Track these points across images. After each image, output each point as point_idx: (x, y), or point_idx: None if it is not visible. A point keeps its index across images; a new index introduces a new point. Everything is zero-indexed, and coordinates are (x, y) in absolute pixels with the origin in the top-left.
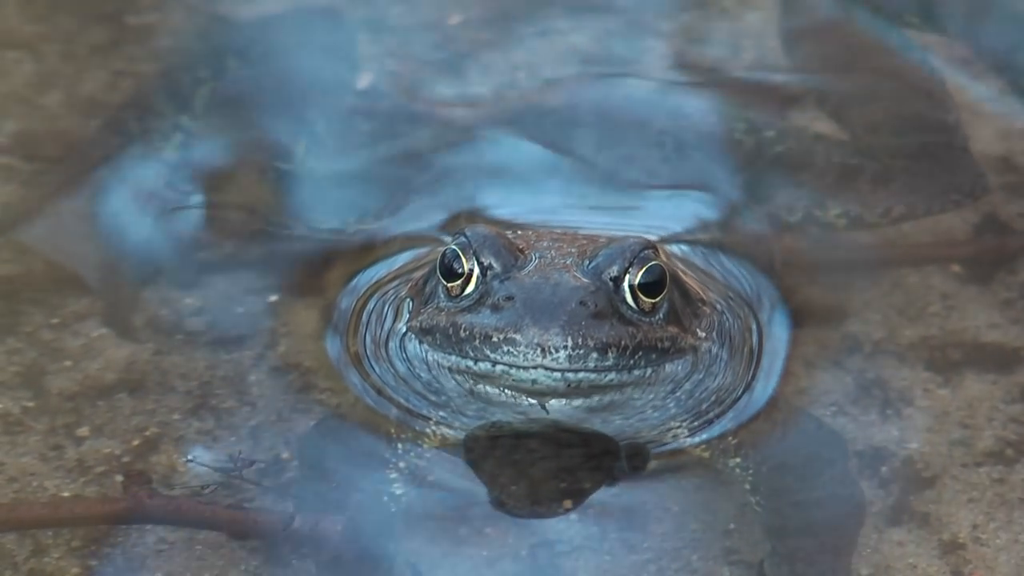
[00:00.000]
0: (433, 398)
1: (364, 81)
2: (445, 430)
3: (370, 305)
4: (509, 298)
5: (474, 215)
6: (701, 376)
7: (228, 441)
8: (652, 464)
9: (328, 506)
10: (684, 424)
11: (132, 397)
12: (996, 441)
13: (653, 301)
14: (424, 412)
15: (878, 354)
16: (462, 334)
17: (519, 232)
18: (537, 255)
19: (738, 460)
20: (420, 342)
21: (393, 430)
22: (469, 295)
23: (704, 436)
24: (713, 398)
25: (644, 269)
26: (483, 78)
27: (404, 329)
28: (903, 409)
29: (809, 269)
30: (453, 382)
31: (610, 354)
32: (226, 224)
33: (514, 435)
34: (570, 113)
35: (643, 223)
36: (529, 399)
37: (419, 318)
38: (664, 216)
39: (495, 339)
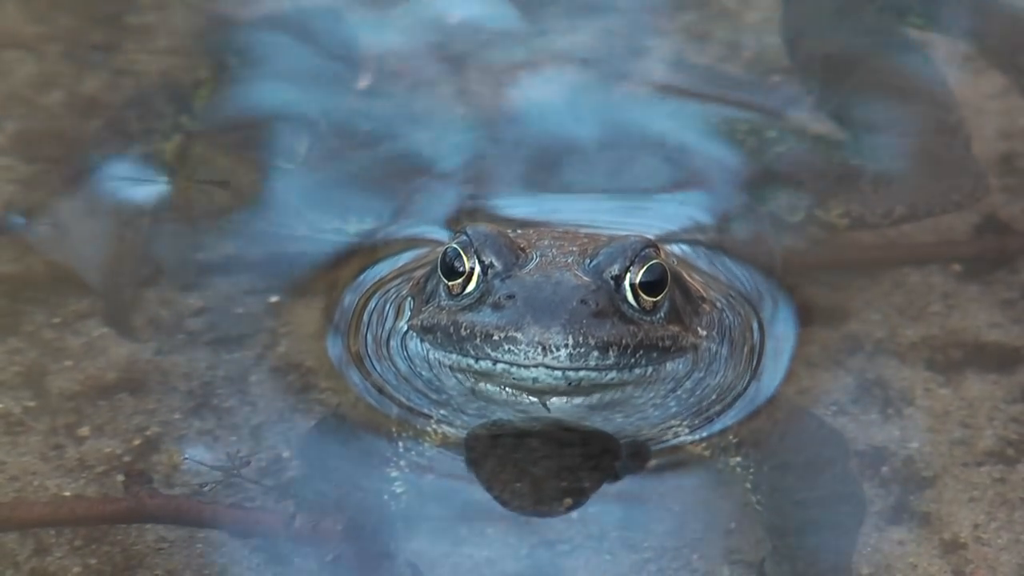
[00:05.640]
0: (434, 396)
1: (364, 81)
2: (446, 428)
3: (371, 304)
4: (510, 296)
5: (475, 214)
6: (702, 374)
7: (229, 441)
8: (653, 463)
9: (329, 505)
10: (685, 422)
11: (133, 397)
12: (997, 440)
13: (654, 300)
14: (425, 411)
15: (879, 353)
16: (463, 332)
17: (520, 231)
18: (538, 254)
19: (739, 459)
20: (421, 340)
21: (394, 429)
22: (470, 293)
23: (705, 434)
24: (714, 396)
25: (645, 268)
26: (483, 77)
27: (405, 328)
28: (904, 408)
29: (810, 269)
30: (454, 380)
31: (611, 353)
32: (227, 224)
33: (515, 434)
34: (570, 112)
35: (644, 222)
36: (530, 397)
37: (420, 317)
38: (665, 216)
39: (496, 337)
